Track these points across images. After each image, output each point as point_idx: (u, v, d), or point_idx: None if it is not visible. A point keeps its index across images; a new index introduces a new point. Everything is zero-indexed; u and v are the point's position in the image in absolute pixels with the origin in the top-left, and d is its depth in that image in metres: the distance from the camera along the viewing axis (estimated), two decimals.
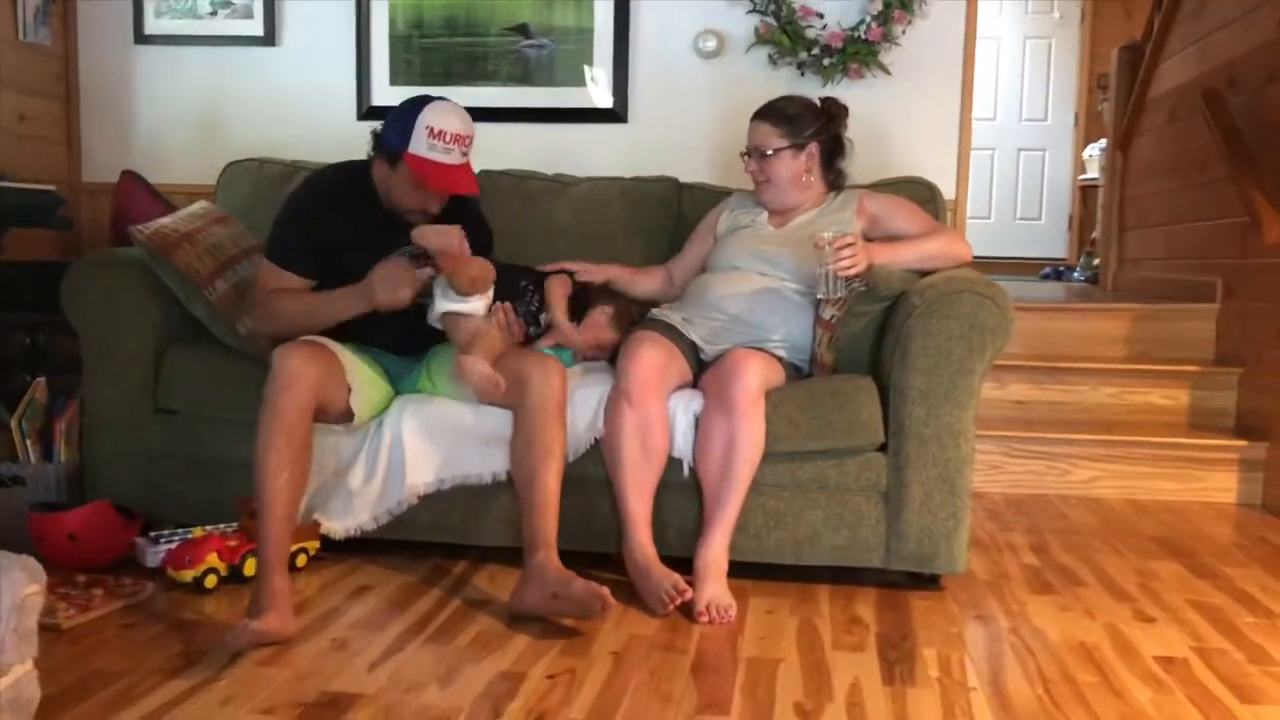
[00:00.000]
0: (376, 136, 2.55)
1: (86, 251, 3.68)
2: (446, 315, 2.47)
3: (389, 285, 2.39)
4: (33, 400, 2.77)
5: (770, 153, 2.73)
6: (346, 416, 2.47)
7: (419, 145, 2.42)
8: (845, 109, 2.82)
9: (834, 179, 2.83)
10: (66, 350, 2.93)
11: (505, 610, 2.30)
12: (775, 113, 2.76)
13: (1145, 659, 2.13)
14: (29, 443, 2.74)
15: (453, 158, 2.46)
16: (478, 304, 2.47)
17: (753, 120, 2.79)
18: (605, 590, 2.13)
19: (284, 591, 2.14)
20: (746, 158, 2.80)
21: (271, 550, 2.18)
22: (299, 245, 2.54)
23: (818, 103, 2.80)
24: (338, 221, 2.54)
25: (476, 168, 2.58)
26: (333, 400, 2.39)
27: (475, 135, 2.51)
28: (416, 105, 2.46)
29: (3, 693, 1.65)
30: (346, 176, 2.62)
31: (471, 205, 2.68)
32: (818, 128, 2.76)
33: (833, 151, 2.80)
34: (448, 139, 2.43)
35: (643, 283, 2.94)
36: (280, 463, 2.21)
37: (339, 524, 2.57)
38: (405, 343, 2.62)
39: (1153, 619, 2.37)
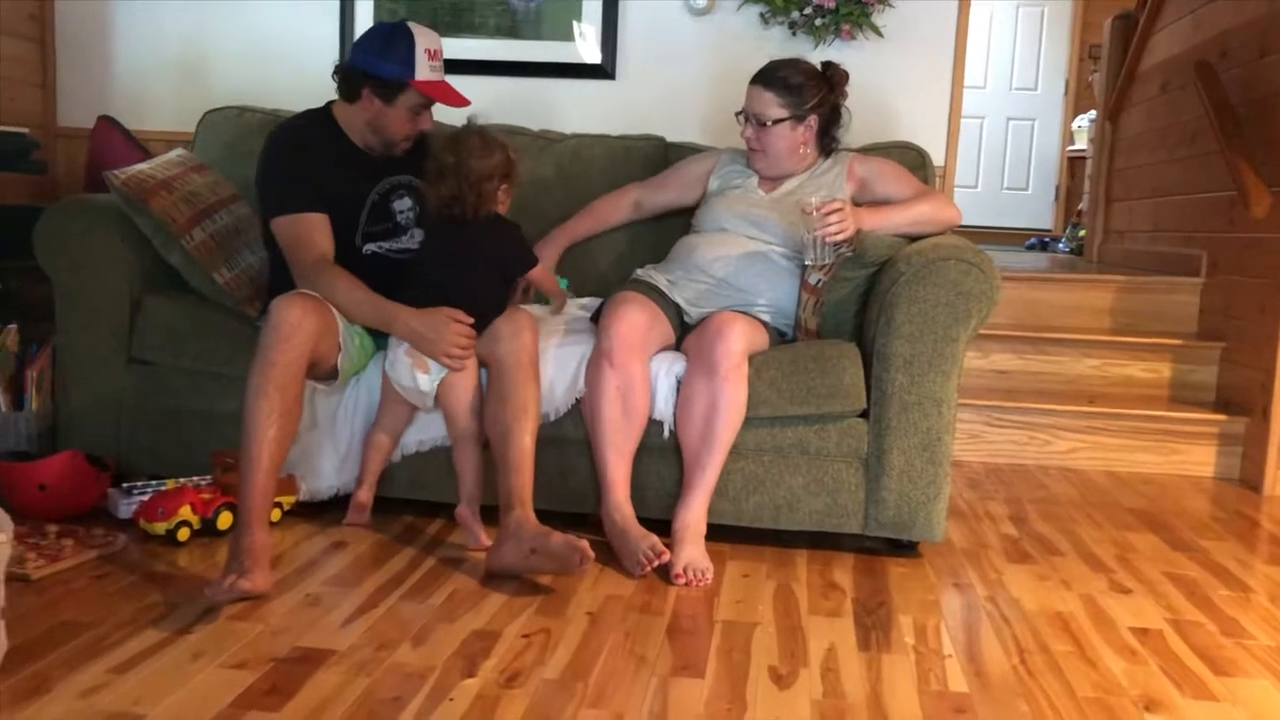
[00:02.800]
0: (358, 75, 2.50)
1: (61, 197, 3.61)
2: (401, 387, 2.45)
3: (431, 339, 2.35)
4: (3, 347, 2.73)
5: (769, 123, 2.68)
6: (331, 375, 2.44)
7: (423, 70, 2.47)
8: (846, 76, 2.75)
9: (828, 145, 2.79)
10: (40, 297, 2.88)
11: (480, 569, 2.29)
12: (779, 81, 2.67)
13: (1120, 630, 2.14)
14: None
15: (441, 73, 2.55)
16: (432, 383, 2.42)
17: (754, 84, 2.70)
18: (584, 543, 2.11)
19: (265, 547, 2.12)
20: (742, 120, 2.74)
21: (255, 504, 2.14)
22: (297, 186, 2.49)
23: (819, 68, 2.74)
24: (322, 161, 2.52)
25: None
26: (325, 356, 2.36)
27: None
28: (403, 33, 2.48)
29: None
30: (311, 124, 2.59)
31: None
32: (820, 98, 2.69)
33: (830, 121, 2.75)
34: (438, 56, 2.52)
35: (612, 220, 2.97)
36: (271, 415, 2.17)
37: (321, 484, 2.56)
38: (392, 288, 2.55)
39: (1129, 590, 2.38)
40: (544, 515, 2.31)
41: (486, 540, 2.39)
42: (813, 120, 2.71)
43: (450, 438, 2.48)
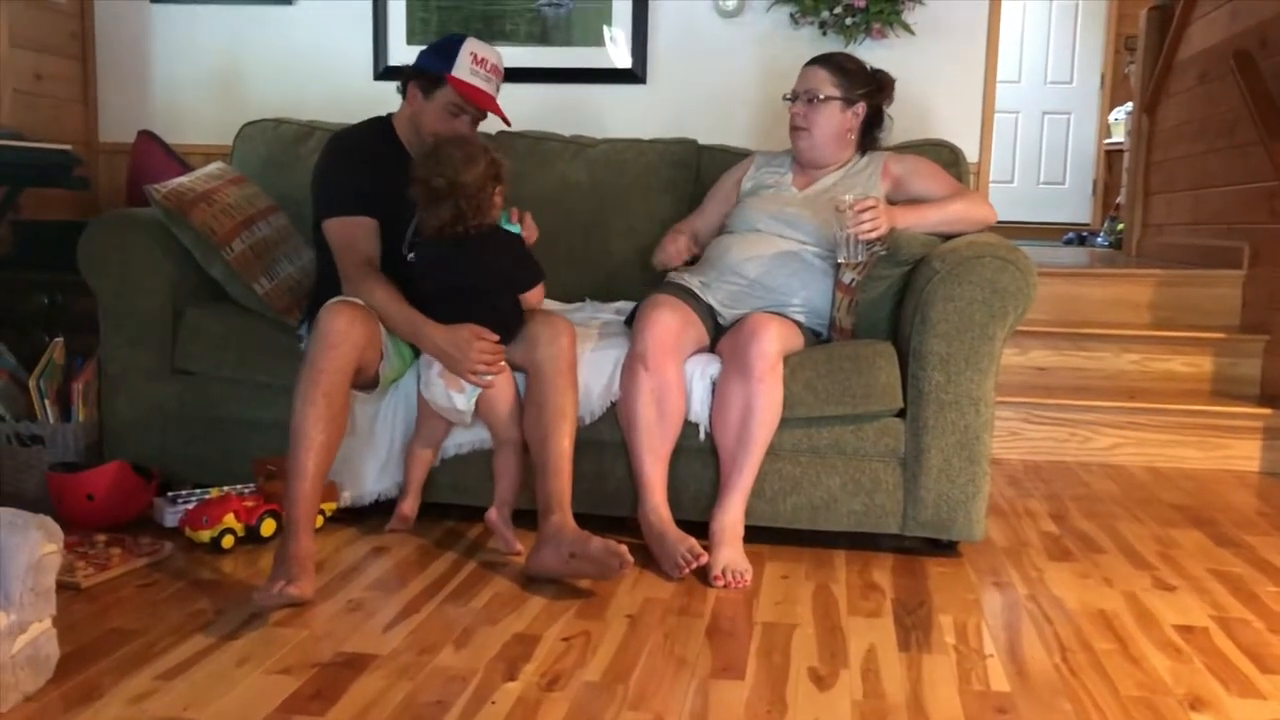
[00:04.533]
0: (410, 70, 2.59)
1: (104, 211, 3.68)
2: (437, 405, 2.45)
3: (456, 357, 2.36)
4: (51, 360, 2.78)
5: (821, 98, 2.70)
6: (373, 383, 2.47)
7: (463, 70, 2.52)
8: (893, 82, 2.79)
9: (868, 143, 2.81)
10: (84, 310, 2.93)
11: (521, 573, 2.30)
12: (833, 63, 2.74)
13: (1164, 628, 2.11)
14: (47, 403, 2.75)
15: (491, 87, 2.58)
16: (469, 400, 2.41)
17: (808, 65, 2.76)
18: (623, 548, 2.12)
19: (310, 554, 2.14)
20: (791, 101, 2.76)
21: (300, 511, 2.17)
22: (354, 189, 2.51)
23: (869, 67, 2.79)
24: (374, 171, 2.53)
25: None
26: (369, 364, 2.38)
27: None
28: (457, 36, 2.58)
29: (22, 650, 1.66)
30: (372, 131, 2.64)
31: None
32: (870, 90, 2.74)
33: (873, 120, 2.78)
34: (488, 67, 2.57)
35: (684, 258, 2.80)
36: (318, 423, 2.19)
37: (362, 490, 2.60)
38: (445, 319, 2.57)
39: (1173, 587, 2.35)
40: (582, 519, 2.32)
41: (518, 545, 2.41)
42: (860, 108, 2.73)
43: (493, 443, 2.50)
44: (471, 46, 2.54)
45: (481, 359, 2.35)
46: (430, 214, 2.36)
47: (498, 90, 2.61)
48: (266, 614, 2.04)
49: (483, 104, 2.56)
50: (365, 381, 2.44)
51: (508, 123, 2.67)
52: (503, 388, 2.42)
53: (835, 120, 2.72)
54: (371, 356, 2.37)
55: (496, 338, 2.37)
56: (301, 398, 2.20)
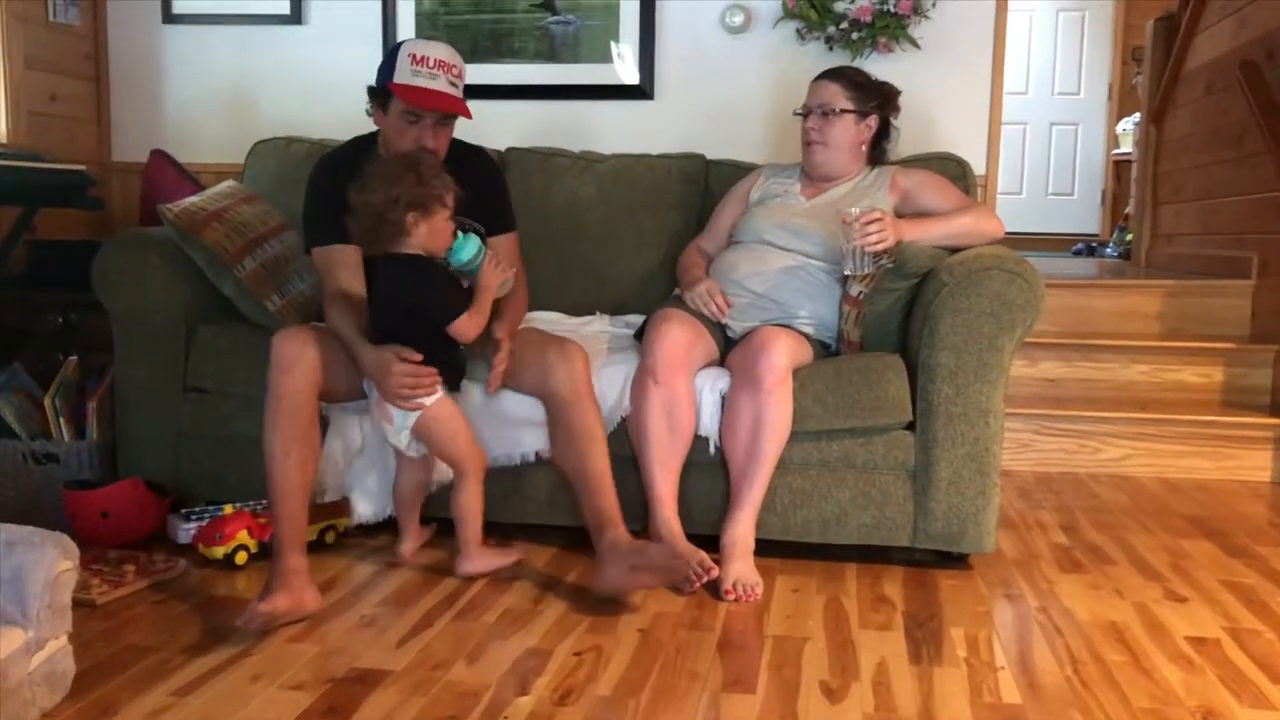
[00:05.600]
0: (369, 91, 2.53)
1: (117, 231, 3.71)
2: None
3: (378, 379, 2.31)
4: (65, 379, 2.80)
5: (836, 111, 2.72)
6: (357, 394, 2.43)
7: (403, 74, 2.42)
8: (899, 93, 2.83)
9: (877, 156, 2.84)
10: (98, 329, 2.96)
11: (531, 586, 2.31)
12: (844, 76, 2.77)
13: (1176, 639, 2.11)
14: (62, 421, 2.78)
15: (439, 84, 2.43)
16: (397, 432, 2.34)
17: (819, 80, 2.78)
18: (695, 551, 2.20)
19: (299, 571, 2.16)
20: (803, 116, 2.77)
21: (285, 530, 2.19)
22: (331, 217, 2.47)
23: (876, 81, 2.82)
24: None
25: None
26: (339, 380, 2.35)
27: (465, 69, 2.51)
28: (399, 44, 2.48)
29: (38, 666, 1.68)
30: (356, 147, 2.61)
31: (483, 162, 2.69)
32: (880, 102, 2.78)
33: (882, 133, 2.82)
34: (430, 63, 2.42)
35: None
36: (286, 445, 2.22)
37: (370, 508, 2.59)
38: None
39: (1184, 599, 2.35)
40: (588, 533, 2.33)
41: (514, 554, 2.39)
42: (873, 121, 2.77)
43: (453, 478, 2.40)
44: (408, 48, 2.43)
45: (402, 382, 2.26)
46: (350, 225, 2.29)
47: (455, 82, 2.47)
48: (279, 630, 2.05)
49: (426, 103, 2.41)
50: (345, 395, 2.42)
51: (467, 114, 2.49)
52: (444, 417, 2.31)
53: (850, 133, 2.75)
54: (336, 372, 2.33)
55: (420, 358, 2.25)
56: (267, 426, 2.23)
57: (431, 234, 2.26)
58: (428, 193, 2.23)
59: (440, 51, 2.45)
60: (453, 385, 2.38)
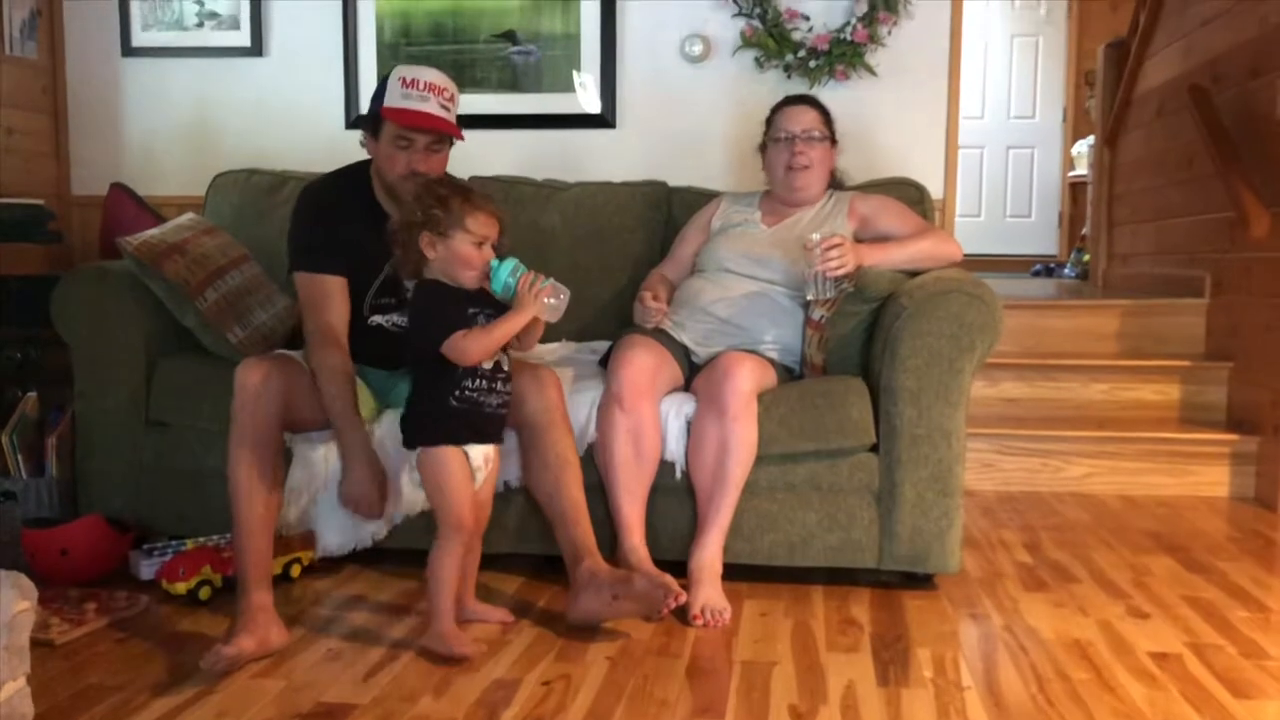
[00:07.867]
0: (359, 120, 2.53)
1: (77, 265, 3.68)
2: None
3: (356, 496, 2.33)
4: (24, 415, 2.77)
5: (819, 136, 2.80)
6: (322, 423, 2.40)
7: (393, 98, 2.42)
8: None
9: (834, 183, 2.89)
10: (58, 364, 2.93)
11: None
12: (818, 104, 2.87)
13: (1139, 655, 2.14)
14: (20, 457, 2.74)
15: (429, 106, 2.43)
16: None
17: (796, 106, 2.84)
18: (669, 578, 2.16)
19: (264, 608, 2.13)
20: (788, 141, 2.77)
21: (250, 565, 2.17)
22: (321, 244, 2.48)
23: None
24: (345, 221, 2.51)
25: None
26: (303, 410, 2.33)
27: (457, 94, 2.51)
28: (389, 72, 2.48)
29: None
30: (346, 180, 2.59)
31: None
32: (833, 130, 2.87)
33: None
34: (421, 86, 2.42)
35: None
36: (250, 478, 2.20)
37: (335, 541, 2.53)
38: (390, 358, 2.55)
39: (1146, 615, 2.37)
40: (557, 560, 2.33)
41: (507, 616, 2.32)
42: (837, 148, 2.86)
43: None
44: (399, 72, 2.44)
45: (360, 507, 2.33)
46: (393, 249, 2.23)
47: (447, 105, 2.47)
48: (245, 667, 2.03)
49: (417, 123, 2.41)
50: (313, 425, 2.40)
51: (459, 136, 2.49)
52: (446, 464, 2.15)
53: (829, 158, 2.83)
54: (301, 402, 2.32)
55: (382, 504, 2.33)
56: (231, 459, 2.21)
57: (451, 258, 2.14)
58: (444, 215, 2.12)
59: (431, 75, 2.46)
60: (477, 432, 2.18)
